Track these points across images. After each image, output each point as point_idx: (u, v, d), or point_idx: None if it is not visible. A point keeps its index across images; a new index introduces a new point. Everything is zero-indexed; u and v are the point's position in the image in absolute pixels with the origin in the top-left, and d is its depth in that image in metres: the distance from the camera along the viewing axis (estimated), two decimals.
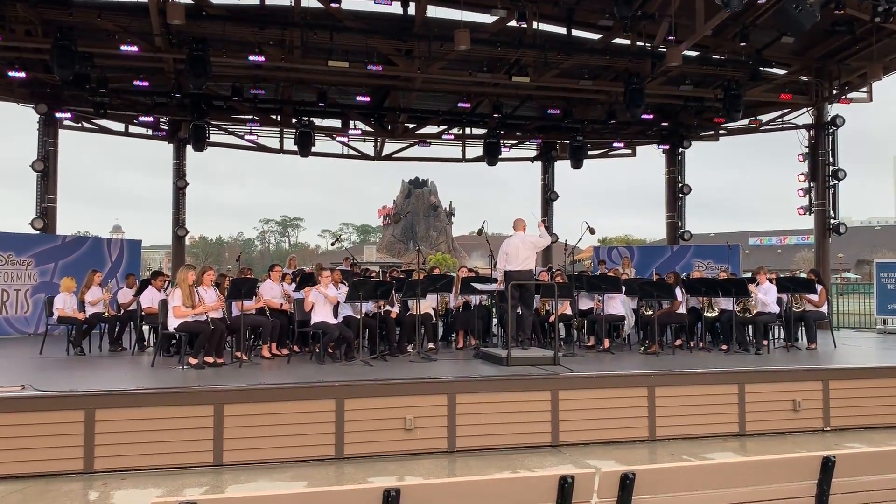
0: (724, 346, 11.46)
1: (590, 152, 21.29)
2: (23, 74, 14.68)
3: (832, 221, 17.56)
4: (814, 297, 11.93)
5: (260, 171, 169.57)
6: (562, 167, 22.06)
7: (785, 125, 18.79)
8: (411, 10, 14.35)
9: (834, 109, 17.53)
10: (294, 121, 18.60)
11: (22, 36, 13.63)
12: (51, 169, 16.77)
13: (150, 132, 19.29)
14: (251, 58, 13.80)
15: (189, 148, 19.06)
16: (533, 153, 22.48)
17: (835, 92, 16.93)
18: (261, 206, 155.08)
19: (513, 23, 14.30)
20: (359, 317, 10.31)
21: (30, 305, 14.87)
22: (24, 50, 14.31)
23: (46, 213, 16.60)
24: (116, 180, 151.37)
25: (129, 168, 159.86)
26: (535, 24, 14.72)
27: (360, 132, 19.96)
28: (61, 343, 11.24)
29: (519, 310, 10.55)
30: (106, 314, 11.48)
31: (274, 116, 19.29)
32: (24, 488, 6.57)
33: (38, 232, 16.17)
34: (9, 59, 14.60)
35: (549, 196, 22.21)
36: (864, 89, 16.89)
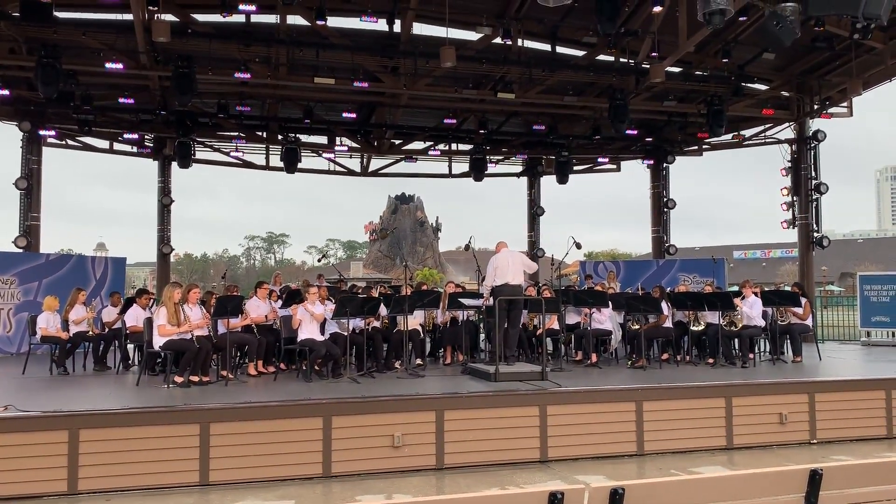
0: (711, 360, 11.49)
1: (575, 167, 21.36)
2: (6, 92, 14.62)
3: (815, 235, 17.72)
4: (798, 310, 12.01)
5: (242, 188, 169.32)
6: (547, 182, 22.20)
7: (767, 140, 19.00)
8: (397, 27, 14.42)
9: (815, 124, 17.76)
10: (280, 137, 18.60)
11: (6, 54, 13.58)
12: (34, 186, 16.62)
13: (135, 149, 19.25)
14: (237, 75, 13.82)
15: (173, 165, 19.02)
16: (519, 168, 22.60)
17: (816, 107, 17.15)
18: (245, 222, 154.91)
19: (498, 40, 14.43)
20: (346, 333, 10.27)
21: (12, 324, 14.69)
22: (7, 67, 14.24)
23: (30, 231, 16.46)
24: (93, 197, 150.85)
25: (106, 185, 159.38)
26: (519, 41, 14.83)
27: (346, 148, 20.01)
28: (44, 362, 11.11)
29: (505, 325, 10.51)
30: (90, 333, 11.35)
31: (260, 133, 19.28)
32: None
33: (21, 250, 16.02)
34: None
35: (535, 211, 22.33)
36: (845, 104, 17.13)
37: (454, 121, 17.77)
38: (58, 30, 12.87)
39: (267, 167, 20.69)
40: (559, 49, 15.69)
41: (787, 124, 18.17)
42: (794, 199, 18.05)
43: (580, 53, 15.91)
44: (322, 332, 10.29)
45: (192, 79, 13.29)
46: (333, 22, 14.34)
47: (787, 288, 13.69)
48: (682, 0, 12.33)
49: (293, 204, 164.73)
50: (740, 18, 12.72)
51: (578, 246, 11.69)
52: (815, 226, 17.77)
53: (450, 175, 22.26)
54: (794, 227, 18.14)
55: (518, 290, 10.51)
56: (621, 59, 15.22)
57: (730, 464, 8.38)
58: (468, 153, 20.24)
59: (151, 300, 11.55)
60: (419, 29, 14.87)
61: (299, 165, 18.89)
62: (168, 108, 16.39)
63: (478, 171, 19.87)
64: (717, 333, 11.38)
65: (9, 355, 14.20)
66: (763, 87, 17.26)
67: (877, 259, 64.31)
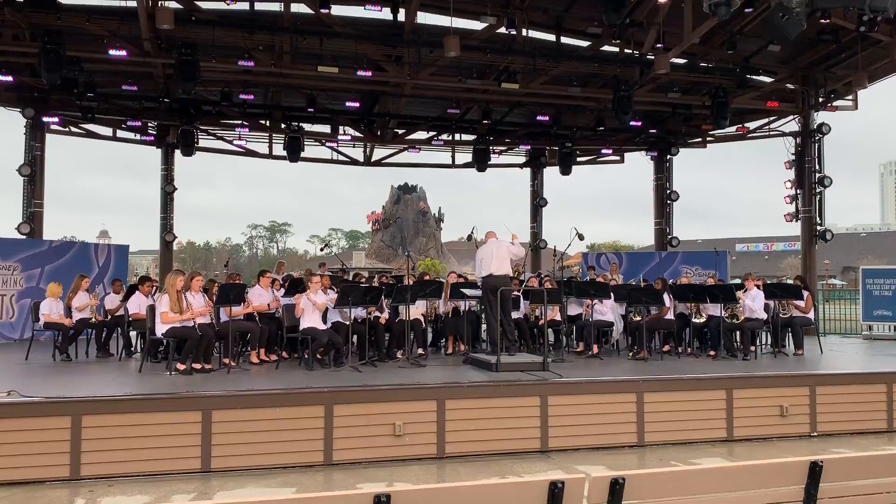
0: (712, 352, 11.49)
1: (578, 159, 21.36)
2: (10, 78, 14.61)
3: (819, 228, 17.68)
4: (801, 304, 12.00)
5: (243, 176, 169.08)
6: (550, 173, 22.16)
7: (772, 132, 18.92)
8: (401, 16, 14.38)
9: (820, 117, 17.67)
10: (283, 126, 18.57)
11: (9, 40, 13.55)
12: (38, 173, 16.65)
13: (138, 137, 19.24)
14: (241, 63, 13.78)
15: (176, 153, 19.02)
16: (522, 159, 22.54)
17: (821, 100, 17.08)
18: (246, 211, 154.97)
19: (502, 30, 14.37)
20: (348, 322, 10.29)
21: (15, 311, 14.74)
22: (11, 54, 14.22)
23: (33, 217, 16.48)
24: (95, 185, 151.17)
25: (108, 173, 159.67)
26: (524, 31, 14.79)
27: (349, 138, 19.98)
28: (47, 349, 11.15)
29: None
30: (93, 320, 11.39)
31: (263, 121, 19.25)
32: (10, 496, 6.51)
33: (24, 237, 16.04)
34: None
35: (538, 202, 22.30)
36: (850, 97, 17.04)
37: (458, 111, 17.73)
38: (61, 16, 12.84)
39: (270, 156, 20.68)
40: (564, 39, 15.65)
41: (791, 117, 18.09)
42: (798, 192, 18.00)
43: (585, 44, 15.86)
44: (324, 320, 10.32)
45: (195, 66, 13.26)
46: (337, 10, 14.32)
47: (790, 281, 13.67)
48: None
49: (295, 193, 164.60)
50: (746, 10, 12.61)
51: (581, 237, 11.68)
52: (818, 219, 17.73)
53: (453, 165, 22.23)
54: (797, 221, 18.09)
55: (504, 279, 10.54)
56: (626, 51, 15.15)
57: (730, 455, 8.39)
58: (471, 143, 20.19)
59: (154, 287, 11.57)
60: (423, 18, 14.85)
61: (302, 154, 18.87)
62: (171, 95, 16.34)
63: (481, 161, 19.83)
64: (719, 326, 11.38)
65: (12, 341, 14.26)
66: (768, 80, 17.18)
67: (880, 253, 64.23)
